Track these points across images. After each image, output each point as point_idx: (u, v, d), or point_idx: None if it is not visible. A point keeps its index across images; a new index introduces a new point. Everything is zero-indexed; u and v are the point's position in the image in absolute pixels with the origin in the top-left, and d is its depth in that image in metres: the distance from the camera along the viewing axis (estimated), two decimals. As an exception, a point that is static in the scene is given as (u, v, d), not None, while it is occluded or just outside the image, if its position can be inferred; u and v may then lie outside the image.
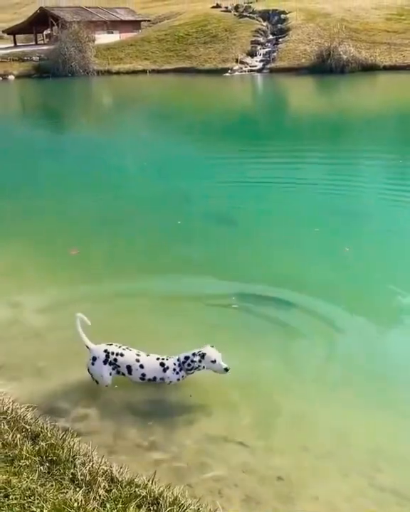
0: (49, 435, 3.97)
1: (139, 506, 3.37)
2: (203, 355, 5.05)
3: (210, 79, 36.37)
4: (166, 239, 8.91)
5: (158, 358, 5.12)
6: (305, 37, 38.67)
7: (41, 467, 3.65)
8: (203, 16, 45.23)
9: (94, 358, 5.05)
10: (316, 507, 4.07)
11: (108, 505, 3.36)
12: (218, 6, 46.48)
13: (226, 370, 5.01)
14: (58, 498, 3.39)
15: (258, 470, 4.33)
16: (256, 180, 12.04)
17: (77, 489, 3.45)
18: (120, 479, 3.60)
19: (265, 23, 42.46)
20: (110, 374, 5.04)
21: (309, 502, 4.10)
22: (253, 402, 5.08)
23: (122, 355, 5.05)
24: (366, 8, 40.70)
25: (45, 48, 44.24)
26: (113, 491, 3.45)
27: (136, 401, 4.98)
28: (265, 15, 43.30)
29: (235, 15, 44.29)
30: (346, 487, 4.25)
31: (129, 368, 5.03)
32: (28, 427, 4.06)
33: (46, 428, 4.07)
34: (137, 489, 3.51)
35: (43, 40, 50.00)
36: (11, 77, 41.93)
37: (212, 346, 5.13)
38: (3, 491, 3.41)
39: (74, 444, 3.91)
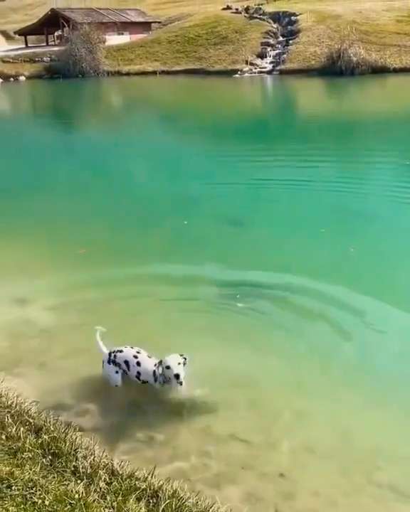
0: (52, 429, 4.04)
1: (138, 499, 3.43)
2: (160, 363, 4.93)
3: (219, 80, 36.44)
4: (172, 238, 8.98)
5: (155, 364, 5.05)
6: (315, 39, 38.66)
7: (44, 459, 3.72)
8: (213, 17, 45.32)
9: (103, 361, 5.17)
10: (316, 503, 4.11)
11: (108, 498, 3.41)
12: (228, 8, 46.56)
13: (177, 376, 4.78)
14: (59, 489, 3.45)
15: (258, 466, 4.37)
16: (264, 181, 12.07)
17: (79, 481, 3.51)
18: (121, 472, 3.65)
19: (275, 25, 42.49)
20: (117, 372, 5.09)
21: (309, 498, 4.14)
22: (255, 399, 5.12)
23: (120, 351, 5.12)
24: (376, 10, 40.62)
25: (56, 49, 44.52)
26: (113, 483, 3.50)
27: (138, 398, 5.03)
28: (276, 17, 43.33)
29: (245, 16, 44.34)
30: (346, 484, 4.28)
31: (127, 363, 5.06)
32: (31, 420, 4.13)
33: (49, 422, 4.14)
34: (137, 482, 3.57)
35: (54, 41, 50.30)
36: (22, 78, 42.22)
37: (182, 355, 4.93)
38: (6, 481, 3.48)
39: (76, 438, 3.97)
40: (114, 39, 45.53)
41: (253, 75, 38.05)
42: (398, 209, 10.01)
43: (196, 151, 16.22)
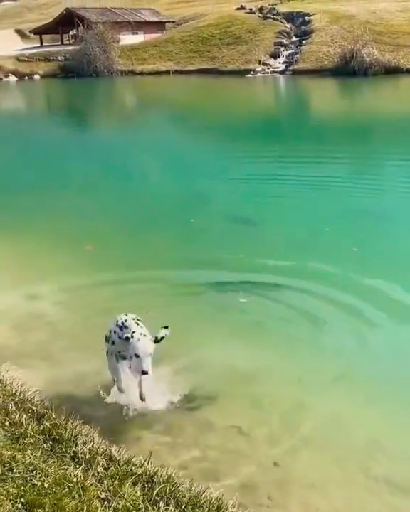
0: (53, 416, 4.17)
1: (134, 483, 3.55)
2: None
3: (232, 80, 36.52)
4: (179, 236, 9.11)
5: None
6: (328, 39, 38.59)
7: (44, 445, 3.85)
8: (227, 17, 45.37)
9: None
10: (310, 493, 4.21)
11: (105, 482, 3.54)
12: (242, 8, 46.57)
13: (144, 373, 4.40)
14: (58, 473, 3.58)
15: (254, 456, 4.48)
16: (273, 180, 12.18)
17: (77, 466, 3.64)
18: (118, 458, 3.78)
19: (288, 25, 42.45)
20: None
21: (303, 488, 4.24)
22: (254, 392, 5.23)
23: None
24: (391, 11, 40.44)
25: (70, 48, 44.81)
26: (111, 468, 3.63)
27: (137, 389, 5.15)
28: (289, 17, 43.28)
29: (259, 16, 44.34)
30: (340, 475, 4.38)
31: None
32: (34, 408, 4.26)
33: (51, 409, 4.27)
34: (133, 468, 3.69)
35: (69, 40, 50.57)
36: (37, 77, 42.55)
37: (166, 327, 4.66)
38: (7, 465, 3.61)
39: (76, 425, 4.10)
40: (128, 38, 45.72)
41: (266, 74, 38.08)
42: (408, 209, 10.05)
43: (208, 150, 16.36)
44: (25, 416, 4.13)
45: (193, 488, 3.58)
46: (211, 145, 17.24)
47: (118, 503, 3.40)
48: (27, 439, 3.89)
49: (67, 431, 3.98)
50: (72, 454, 3.77)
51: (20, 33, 54.07)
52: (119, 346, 4.61)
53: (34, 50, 46.22)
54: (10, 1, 69.77)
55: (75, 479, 3.54)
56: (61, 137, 20.21)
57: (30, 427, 4.00)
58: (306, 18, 42.11)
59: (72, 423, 4.09)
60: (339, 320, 6.35)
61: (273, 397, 5.15)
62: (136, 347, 4.36)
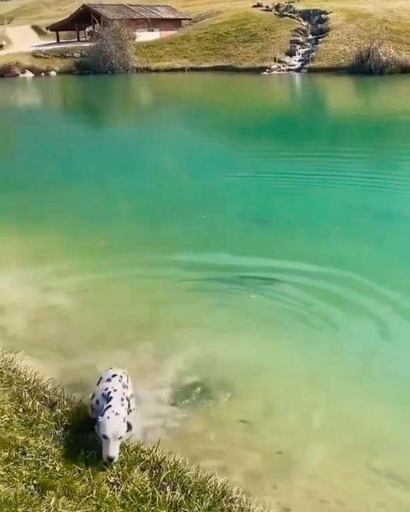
0: (65, 404, 4.31)
1: (142, 469, 3.68)
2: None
3: (248, 77, 36.56)
4: (190, 232, 9.22)
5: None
6: (344, 37, 38.50)
7: (57, 431, 3.99)
8: (243, 14, 45.39)
9: None
10: (314, 484, 4.31)
11: (114, 467, 3.67)
12: (259, 5, 46.58)
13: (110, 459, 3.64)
14: (69, 458, 3.72)
15: (260, 448, 4.58)
16: (286, 178, 12.20)
17: (88, 452, 3.76)
18: (127, 445, 3.91)
19: (305, 23, 42.43)
20: None
21: (308, 480, 4.34)
22: (262, 386, 5.33)
23: None
24: (408, 10, 40.21)
25: (86, 44, 45.09)
26: (120, 454, 3.75)
27: (149, 382, 5.27)
28: (306, 14, 43.25)
29: (275, 14, 44.34)
30: (345, 468, 4.47)
31: None
32: (47, 395, 4.40)
33: (64, 397, 4.41)
34: (141, 454, 3.82)
35: (85, 37, 50.87)
36: (53, 73, 42.88)
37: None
38: (21, 449, 3.76)
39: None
40: (144, 35, 45.93)
41: (282, 72, 38.09)
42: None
43: (221, 147, 16.47)
44: (38, 403, 4.27)
45: (199, 474, 3.70)
46: (225, 142, 17.35)
47: (126, 487, 3.53)
48: (40, 425, 4.03)
49: (79, 418, 4.12)
50: (83, 441, 3.90)
51: (37, 29, 54.55)
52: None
53: (50, 47, 46.60)
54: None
55: (85, 464, 3.67)
56: (77, 133, 20.42)
57: (43, 414, 4.14)
58: (322, 16, 42.07)
59: (83, 411, 4.22)
60: (350, 318, 6.42)
61: (282, 392, 5.24)
62: (105, 427, 3.67)
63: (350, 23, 39.80)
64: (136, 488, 3.50)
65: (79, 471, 3.63)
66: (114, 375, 4.19)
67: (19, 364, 4.93)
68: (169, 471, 3.64)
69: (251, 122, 20.76)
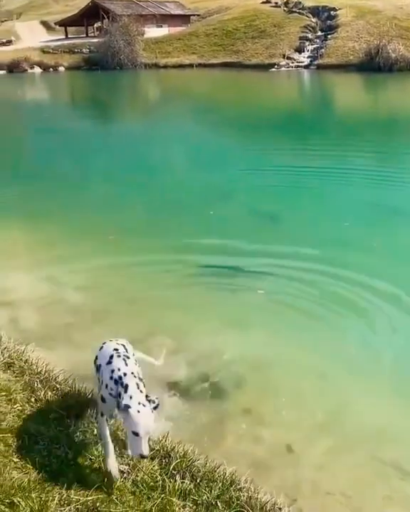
0: (76, 394, 4.39)
1: (152, 458, 3.74)
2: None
3: (256, 74, 36.52)
4: (198, 226, 9.27)
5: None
6: (353, 34, 38.38)
7: (68, 420, 4.07)
8: (252, 11, 45.30)
9: None
10: (321, 476, 4.36)
11: (125, 456, 3.74)
12: (268, 1, 46.45)
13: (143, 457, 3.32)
14: (81, 447, 3.80)
15: (267, 440, 4.64)
16: (293, 173, 12.26)
17: (99, 441, 3.83)
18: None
19: (314, 20, 42.30)
20: None
21: (314, 471, 4.39)
22: (269, 379, 5.39)
23: None
24: (418, 6, 40.10)
25: (95, 40, 45.11)
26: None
27: (157, 374, 5.33)
28: (315, 11, 43.12)
29: (284, 10, 44.23)
30: (351, 460, 4.52)
31: None
32: (58, 386, 4.48)
33: (74, 387, 4.49)
34: (151, 444, 3.88)
35: (94, 32, 50.91)
36: (62, 69, 42.93)
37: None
38: (34, 437, 3.84)
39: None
40: (152, 31, 45.90)
41: (290, 69, 38.02)
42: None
43: (230, 143, 16.52)
44: (50, 393, 4.35)
45: (207, 464, 3.77)
46: (233, 138, 17.39)
47: (137, 476, 3.60)
48: (52, 414, 4.11)
49: (90, 409, 4.19)
50: (94, 430, 3.97)
51: (45, 24, 54.63)
52: (110, 406, 3.60)
53: (59, 42, 46.66)
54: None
55: (96, 452, 3.75)
56: (86, 129, 20.51)
57: (54, 404, 4.22)
58: (332, 12, 41.94)
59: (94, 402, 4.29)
60: (357, 312, 6.46)
61: (288, 384, 5.29)
62: (137, 423, 3.29)
63: (359, 19, 39.67)
64: (146, 477, 3.57)
65: (90, 459, 3.71)
66: (116, 350, 3.80)
67: (31, 355, 5.01)
68: (179, 460, 3.72)
69: (260, 118, 20.78)
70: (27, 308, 6.55)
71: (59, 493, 3.34)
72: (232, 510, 3.42)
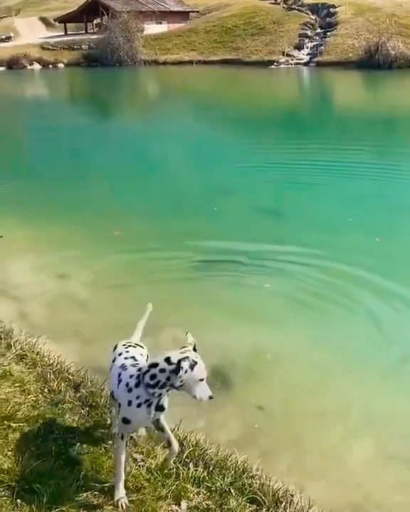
0: (89, 384, 4.47)
1: (165, 446, 3.82)
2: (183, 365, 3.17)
3: (256, 71, 36.55)
4: (202, 222, 9.34)
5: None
6: (353, 31, 38.42)
7: (82, 410, 4.15)
8: (251, 7, 45.29)
9: None
10: (329, 466, 4.45)
11: (139, 444, 3.82)
12: (267, -2, 46.50)
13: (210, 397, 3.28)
14: (95, 435, 3.88)
15: (275, 431, 4.73)
16: (295, 169, 12.36)
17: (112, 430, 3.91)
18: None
19: (313, 17, 42.34)
20: None
21: (322, 461, 4.48)
22: (277, 372, 5.47)
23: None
24: (418, 3, 40.14)
25: (94, 37, 45.05)
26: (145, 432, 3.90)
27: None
28: (314, 8, 43.15)
29: (284, 7, 44.26)
30: (359, 451, 4.60)
31: None
32: (71, 377, 4.56)
33: (87, 378, 4.57)
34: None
35: (93, 29, 50.83)
36: (61, 65, 42.89)
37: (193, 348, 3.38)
38: (48, 427, 3.91)
39: (111, 394, 4.38)
40: (152, 28, 45.85)
41: (290, 66, 38.06)
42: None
43: (230, 140, 16.59)
44: (63, 384, 4.43)
45: (219, 452, 3.85)
46: (234, 134, 17.44)
47: (151, 463, 3.68)
48: (65, 404, 4.19)
49: (103, 398, 4.27)
50: (107, 420, 4.05)
51: (44, 21, 54.48)
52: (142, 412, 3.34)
53: (58, 39, 46.59)
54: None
55: (110, 441, 3.82)
56: (86, 125, 20.55)
57: (68, 394, 4.30)
58: (331, 9, 41.98)
59: (107, 391, 4.37)
60: (361, 307, 6.54)
61: (297, 377, 5.36)
62: (201, 370, 3.24)
63: (359, 16, 39.71)
64: (160, 464, 3.64)
65: (105, 448, 3.78)
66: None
67: (42, 347, 5.09)
68: (191, 448, 3.80)
69: (259, 115, 20.85)
70: (35, 303, 6.63)
71: (76, 479, 3.41)
72: (245, 496, 3.49)
